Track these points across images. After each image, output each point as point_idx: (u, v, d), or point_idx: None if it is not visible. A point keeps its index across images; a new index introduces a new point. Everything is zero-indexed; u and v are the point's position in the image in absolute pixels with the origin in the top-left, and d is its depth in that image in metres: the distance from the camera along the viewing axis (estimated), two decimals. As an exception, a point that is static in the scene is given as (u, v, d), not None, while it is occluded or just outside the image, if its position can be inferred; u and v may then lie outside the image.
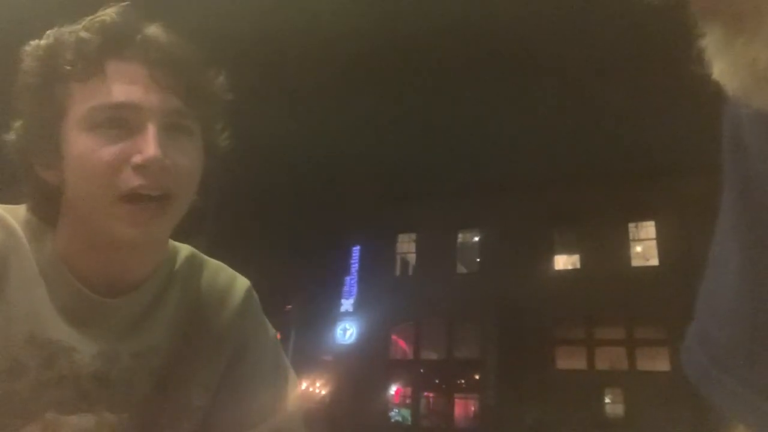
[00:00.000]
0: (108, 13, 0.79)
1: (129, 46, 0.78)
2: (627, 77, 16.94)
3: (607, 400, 19.49)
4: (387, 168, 23.58)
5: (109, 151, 0.75)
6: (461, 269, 23.65)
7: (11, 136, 0.80)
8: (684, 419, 14.09)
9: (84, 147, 0.75)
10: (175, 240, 0.92)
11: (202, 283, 0.94)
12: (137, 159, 0.75)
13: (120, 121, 0.76)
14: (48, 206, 0.82)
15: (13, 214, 0.83)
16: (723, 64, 0.45)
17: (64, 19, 0.81)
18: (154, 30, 0.81)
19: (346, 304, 24.40)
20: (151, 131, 0.76)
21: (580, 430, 16.63)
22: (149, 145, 0.75)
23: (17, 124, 0.80)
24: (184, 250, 0.95)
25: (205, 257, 0.98)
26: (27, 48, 0.79)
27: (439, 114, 21.51)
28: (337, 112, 20.65)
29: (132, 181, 0.75)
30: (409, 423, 22.10)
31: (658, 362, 18.00)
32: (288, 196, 23.17)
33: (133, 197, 0.76)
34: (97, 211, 0.77)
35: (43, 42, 0.79)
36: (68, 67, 0.76)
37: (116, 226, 0.77)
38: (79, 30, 0.78)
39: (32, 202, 0.83)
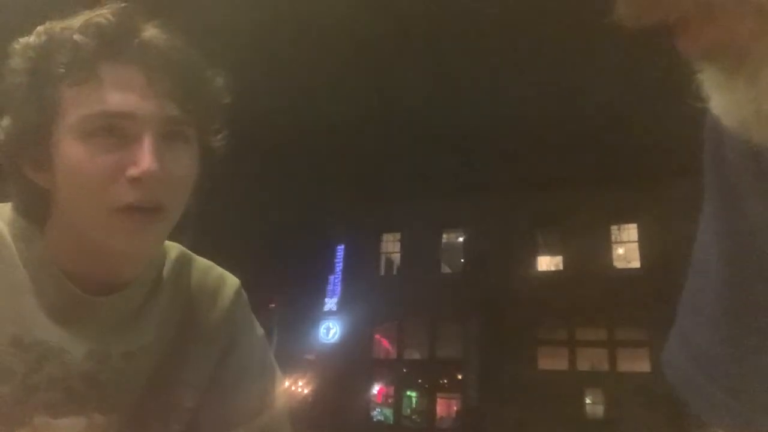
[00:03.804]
0: (104, 15, 0.75)
1: (125, 50, 0.75)
2: (612, 79, 17.06)
3: (587, 401, 19.64)
4: (372, 167, 23.55)
5: (103, 162, 0.72)
6: (445, 269, 23.67)
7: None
8: (663, 420, 14.21)
9: (77, 156, 0.72)
10: None
11: (192, 283, 0.93)
12: (133, 172, 0.72)
13: (115, 130, 0.73)
14: (36, 208, 0.79)
15: None
16: (724, 101, 0.45)
17: (56, 12, 0.76)
18: (151, 32, 0.77)
19: (330, 303, 24.31)
20: (147, 142, 0.73)
21: (561, 430, 16.72)
22: (145, 158, 0.72)
23: (5, 122, 0.76)
24: (173, 249, 0.93)
25: (194, 256, 0.96)
26: (16, 46, 0.75)
27: (424, 114, 21.53)
28: (323, 110, 20.59)
29: (127, 194, 0.72)
30: (392, 422, 22.09)
31: (639, 363, 18.16)
32: (273, 194, 23.05)
33: (126, 209, 0.73)
34: (88, 221, 0.75)
35: (33, 40, 0.75)
36: (61, 70, 0.73)
37: (108, 236, 0.75)
38: (73, 32, 0.74)
39: (19, 203, 0.81)
